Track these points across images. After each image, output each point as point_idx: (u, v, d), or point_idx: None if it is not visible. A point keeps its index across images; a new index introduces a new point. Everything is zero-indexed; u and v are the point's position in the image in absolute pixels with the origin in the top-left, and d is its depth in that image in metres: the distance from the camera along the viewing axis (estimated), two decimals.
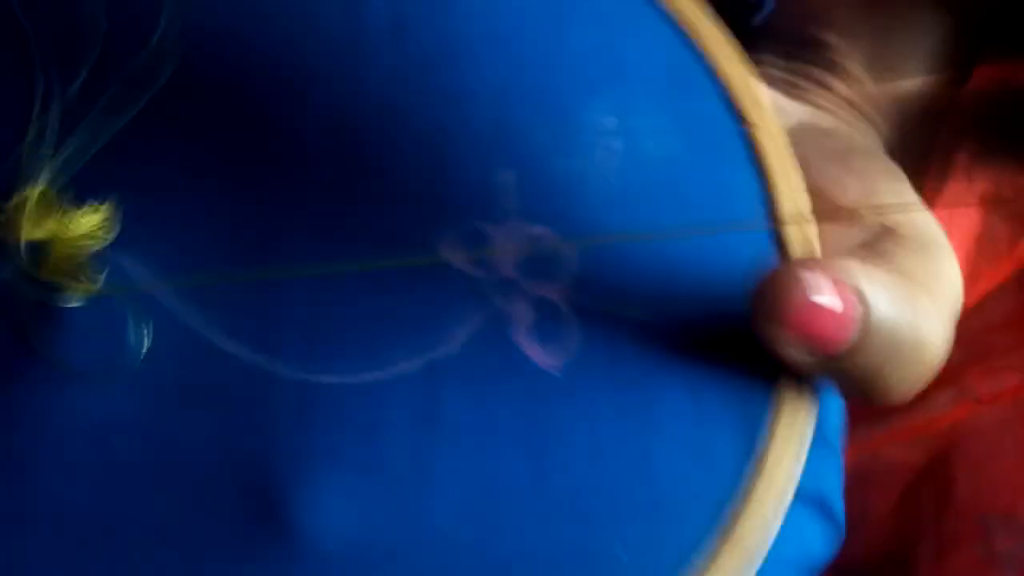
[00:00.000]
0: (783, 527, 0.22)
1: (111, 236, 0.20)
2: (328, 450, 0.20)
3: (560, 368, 0.21)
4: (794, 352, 0.20)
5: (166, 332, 0.20)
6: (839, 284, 0.20)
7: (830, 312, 0.20)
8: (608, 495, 0.20)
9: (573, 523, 0.20)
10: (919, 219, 0.24)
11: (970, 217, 0.36)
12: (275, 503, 0.19)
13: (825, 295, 0.20)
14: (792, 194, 0.24)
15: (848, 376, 0.21)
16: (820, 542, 0.25)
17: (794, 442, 0.22)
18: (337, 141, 0.22)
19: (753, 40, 0.27)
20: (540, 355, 0.22)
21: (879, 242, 0.23)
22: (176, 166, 0.22)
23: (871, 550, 0.36)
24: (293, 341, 0.20)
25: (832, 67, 0.29)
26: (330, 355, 0.20)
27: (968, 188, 0.33)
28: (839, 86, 0.29)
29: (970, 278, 0.35)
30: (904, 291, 0.21)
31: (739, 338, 0.22)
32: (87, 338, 0.20)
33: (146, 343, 0.20)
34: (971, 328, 0.31)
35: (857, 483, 0.36)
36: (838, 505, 0.26)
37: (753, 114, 0.25)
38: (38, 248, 0.20)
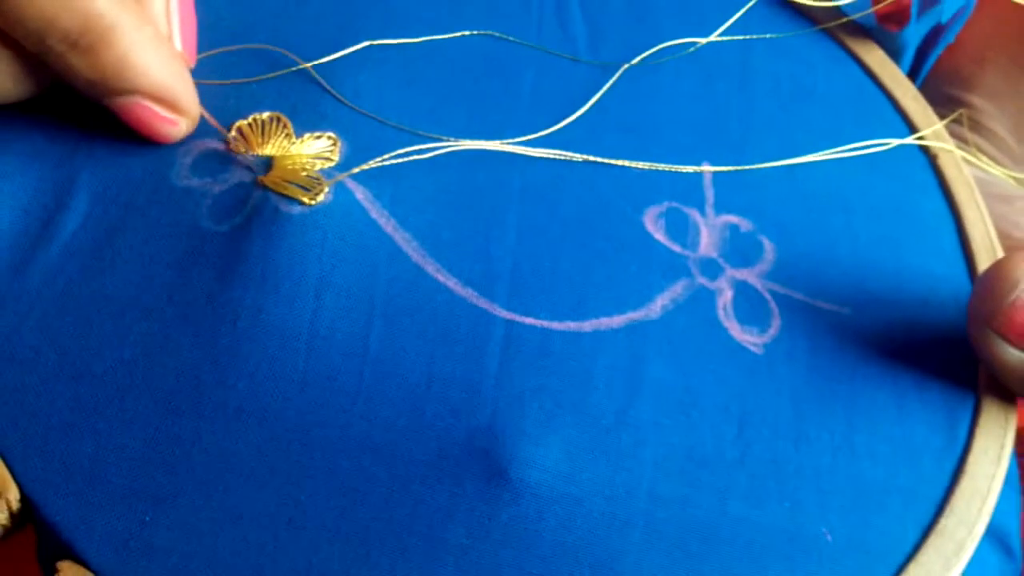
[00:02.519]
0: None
1: (336, 160, 0.21)
2: (535, 385, 0.19)
3: (761, 348, 0.21)
4: (1008, 351, 0.20)
5: (378, 253, 0.20)
6: None
7: None
8: (813, 476, 0.19)
9: (777, 497, 0.19)
10: None
11: None
12: (482, 428, 0.18)
13: None
14: (982, 223, 0.24)
15: None
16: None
17: (994, 448, 0.21)
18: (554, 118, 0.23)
19: None
20: (741, 333, 0.21)
21: None
22: (409, 112, 0.22)
23: None
24: (500, 283, 0.20)
25: (977, 128, 0.29)
26: (535, 300, 0.20)
27: None
28: (984, 145, 0.29)
29: None
30: None
31: (936, 343, 0.22)
32: (304, 248, 0.19)
33: (383, 262, 0.20)
34: None
35: None
36: (1017, 541, 0.24)
37: (935, 144, 0.25)
38: (268, 162, 0.20)
